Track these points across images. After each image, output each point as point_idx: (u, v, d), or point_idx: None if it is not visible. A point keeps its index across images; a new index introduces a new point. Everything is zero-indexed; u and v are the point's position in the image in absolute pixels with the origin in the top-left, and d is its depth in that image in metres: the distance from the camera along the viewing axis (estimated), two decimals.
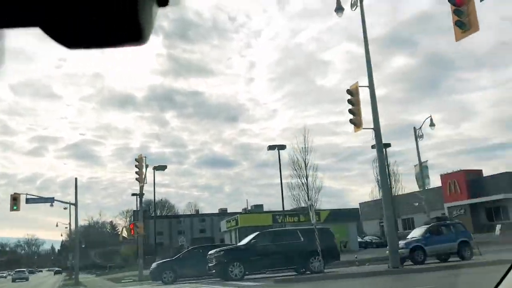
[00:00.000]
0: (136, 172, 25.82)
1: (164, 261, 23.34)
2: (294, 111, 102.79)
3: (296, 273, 19.60)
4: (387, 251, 21.97)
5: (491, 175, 45.00)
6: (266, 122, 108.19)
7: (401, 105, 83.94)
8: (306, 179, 34.01)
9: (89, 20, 0.72)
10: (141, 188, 27.36)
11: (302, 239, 19.18)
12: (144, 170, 25.76)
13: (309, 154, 33.10)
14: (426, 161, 31.77)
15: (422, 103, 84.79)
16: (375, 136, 16.58)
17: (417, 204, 39.69)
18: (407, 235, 25.50)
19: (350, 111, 16.47)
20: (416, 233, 22.72)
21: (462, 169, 46.70)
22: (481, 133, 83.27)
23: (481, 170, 46.97)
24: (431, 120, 30.17)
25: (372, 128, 16.63)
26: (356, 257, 25.29)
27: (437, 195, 45.06)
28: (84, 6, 0.71)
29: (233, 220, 48.50)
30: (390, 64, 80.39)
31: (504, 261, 16.68)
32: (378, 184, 41.70)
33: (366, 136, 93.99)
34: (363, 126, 16.53)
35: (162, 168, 37.70)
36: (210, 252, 19.07)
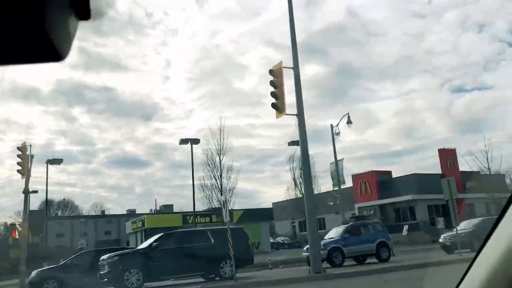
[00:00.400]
0: (18, 163, 21.77)
1: (47, 268, 19.74)
2: (211, 112, 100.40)
3: (204, 280, 17.38)
4: (304, 253, 20.43)
5: (400, 176, 45.90)
6: (181, 122, 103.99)
7: (313, 111, 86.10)
8: (220, 176, 32.01)
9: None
10: (26, 182, 23.28)
11: (212, 240, 16.88)
12: (27, 160, 21.80)
13: (224, 154, 31.46)
14: (342, 159, 31.06)
15: (332, 110, 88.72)
16: (298, 123, 14.73)
17: (331, 203, 39.21)
18: (322, 236, 24.29)
19: (273, 94, 14.45)
20: (334, 233, 21.38)
21: (373, 169, 47.26)
22: (383, 140, 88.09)
23: (390, 171, 47.84)
24: (349, 117, 29.49)
25: (295, 115, 14.78)
26: (269, 260, 23.54)
27: (348, 196, 45.11)
28: None
29: (139, 221, 45.03)
30: (303, 71, 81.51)
31: (430, 264, 15.68)
32: (294, 181, 40.96)
33: (280, 140, 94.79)
34: (286, 112, 14.62)
35: (57, 162, 33.35)
36: (102, 257, 16.05)
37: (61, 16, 0.67)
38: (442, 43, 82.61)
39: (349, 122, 29.38)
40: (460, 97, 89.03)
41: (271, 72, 14.64)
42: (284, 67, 14.70)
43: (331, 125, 29.66)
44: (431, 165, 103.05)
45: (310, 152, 15.39)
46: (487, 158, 38.56)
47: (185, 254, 16.17)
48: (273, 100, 14.44)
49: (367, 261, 20.63)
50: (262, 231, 43.86)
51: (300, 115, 14.62)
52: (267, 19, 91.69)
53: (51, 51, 0.66)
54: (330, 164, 31.79)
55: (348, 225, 21.42)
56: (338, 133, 29.78)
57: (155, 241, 16.46)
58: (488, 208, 43.14)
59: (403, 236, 39.08)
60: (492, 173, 39.97)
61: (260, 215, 44.20)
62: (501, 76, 78.15)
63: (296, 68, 14.77)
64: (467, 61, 78.92)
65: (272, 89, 14.48)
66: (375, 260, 20.31)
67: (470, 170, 40.25)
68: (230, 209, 40.51)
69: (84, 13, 0.71)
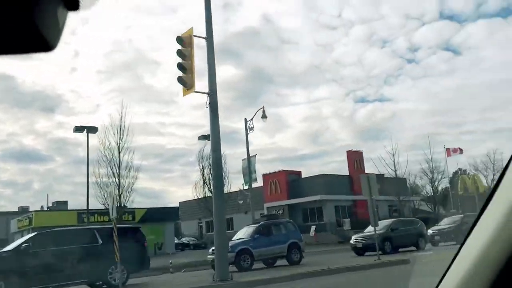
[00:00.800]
0: None
1: None
2: (119, 107, 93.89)
3: None
4: (209, 256, 18.34)
5: (309, 177, 45.55)
6: (88, 116, 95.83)
7: (225, 112, 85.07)
8: (118, 171, 28.85)
9: None
10: None
11: (100, 241, 14.14)
12: None
13: (124, 147, 28.38)
14: (255, 155, 29.49)
15: (244, 112, 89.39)
16: (209, 103, 12.55)
17: (241, 201, 37.59)
18: (230, 236, 22.40)
19: (180, 65, 12.13)
20: (243, 233, 19.54)
21: (283, 169, 46.47)
22: (292, 144, 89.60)
23: (300, 172, 47.37)
24: (264, 111, 28.03)
25: (206, 93, 12.59)
26: (171, 263, 21.13)
27: (258, 195, 43.83)
28: None
29: (26, 219, 39.92)
30: (218, 73, 79.70)
31: (354, 268, 14.38)
32: (203, 178, 38.66)
33: (192, 139, 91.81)
34: (195, 89, 12.36)
35: None
36: None
37: (50, 7, 0.66)
38: (349, 55, 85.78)
39: (264, 116, 27.96)
40: (363, 106, 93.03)
41: (179, 39, 12.25)
42: (195, 36, 12.47)
43: (245, 119, 28.05)
44: (335, 169, 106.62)
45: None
46: (393, 161, 39.41)
47: (65, 257, 13.33)
48: (180, 74, 12.13)
49: (277, 264, 19.07)
50: (166, 231, 41.30)
51: (212, 93, 12.47)
52: (184, 17, 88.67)
53: (41, 41, 0.66)
54: (243, 160, 30.15)
55: (259, 224, 19.69)
56: (252, 128, 28.29)
57: (25, 241, 13.30)
58: (390, 210, 44.32)
59: (310, 237, 38.55)
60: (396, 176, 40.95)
61: (165, 215, 41.55)
62: (399, 90, 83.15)
63: (209, 38, 12.59)
64: (371, 74, 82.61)
65: (180, 60, 12.16)
66: (285, 262, 18.80)
67: (376, 173, 40.84)
68: (132, 207, 37.52)
69: (73, 4, 0.71)
